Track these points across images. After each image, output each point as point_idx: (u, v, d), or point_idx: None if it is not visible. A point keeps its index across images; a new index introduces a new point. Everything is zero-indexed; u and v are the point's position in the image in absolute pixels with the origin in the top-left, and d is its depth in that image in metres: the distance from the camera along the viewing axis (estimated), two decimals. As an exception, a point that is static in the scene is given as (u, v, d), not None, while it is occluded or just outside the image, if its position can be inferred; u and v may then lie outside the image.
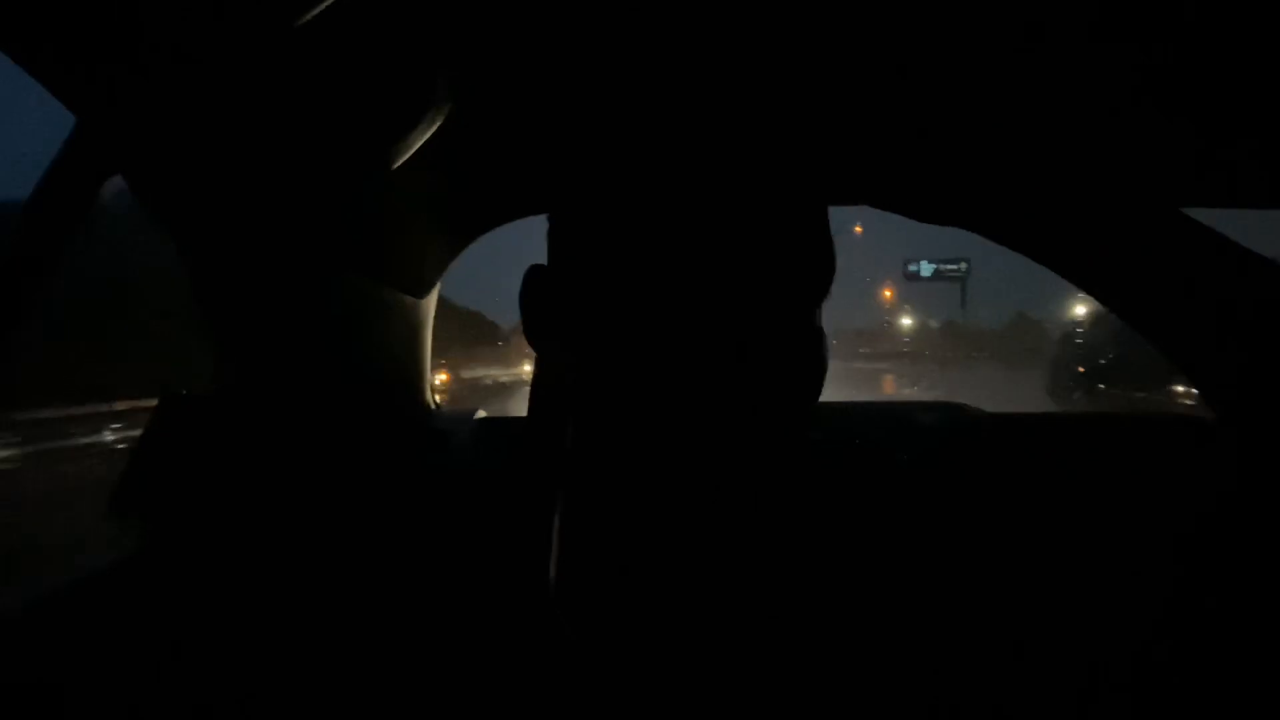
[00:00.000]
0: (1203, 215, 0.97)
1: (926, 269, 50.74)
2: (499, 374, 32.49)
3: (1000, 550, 0.50)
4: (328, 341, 1.00)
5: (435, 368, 1.33)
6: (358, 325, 1.08)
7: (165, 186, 0.71)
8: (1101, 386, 9.74)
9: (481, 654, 0.47)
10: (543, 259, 0.51)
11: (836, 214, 0.51)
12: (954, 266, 50.24)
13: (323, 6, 0.55)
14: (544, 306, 0.50)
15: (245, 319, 0.88)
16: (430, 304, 1.26)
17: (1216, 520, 0.61)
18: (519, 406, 1.82)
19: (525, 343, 0.52)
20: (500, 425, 1.27)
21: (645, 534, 0.47)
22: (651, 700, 0.44)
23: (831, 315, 0.48)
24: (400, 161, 0.77)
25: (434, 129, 0.75)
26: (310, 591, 0.54)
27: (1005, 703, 0.45)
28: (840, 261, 0.46)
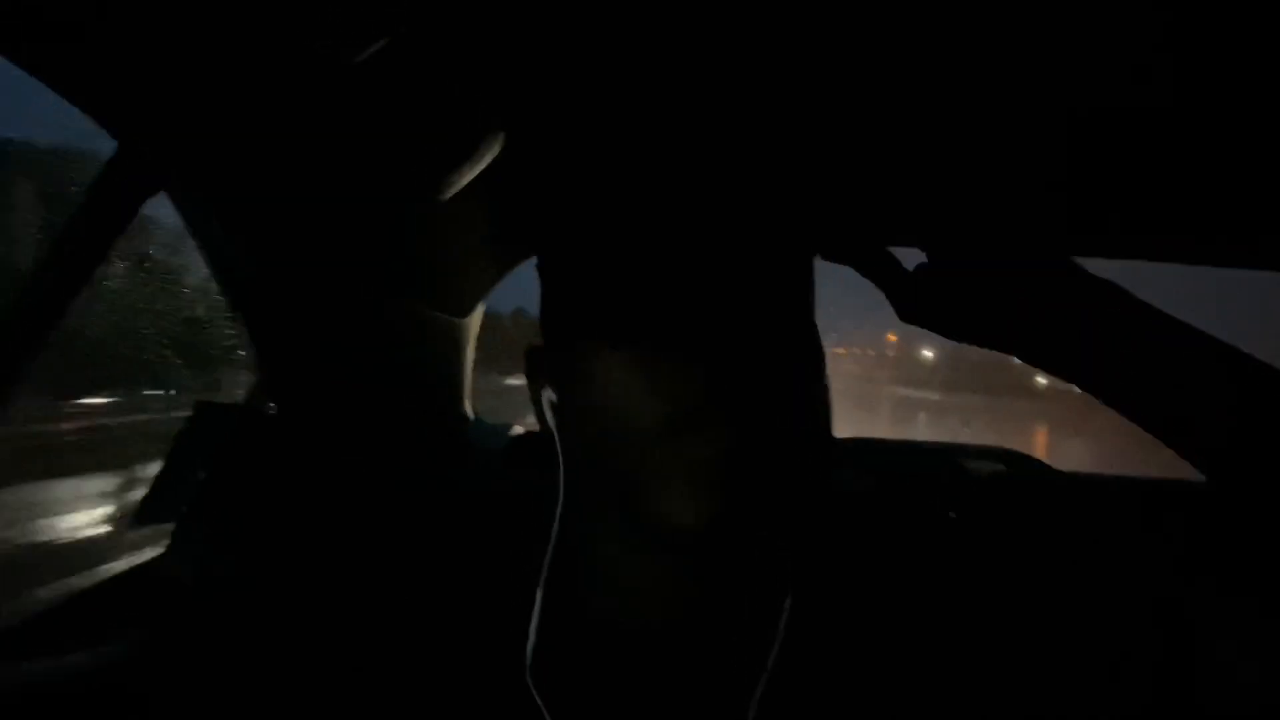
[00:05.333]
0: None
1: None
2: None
3: (1054, 631, 0.45)
4: (368, 358, 1.00)
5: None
6: (400, 343, 1.08)
7: (210, 206, 0.71)
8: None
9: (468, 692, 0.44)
10: None
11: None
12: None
13: (377, 47, 0.53)
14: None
15: (287, 335, 0.87)
16: (474, 322, 1.27)
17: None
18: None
19: None
20: (533, 442, 1.26)
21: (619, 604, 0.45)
22: None
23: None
24: (450, 194, 0.76)
25: (483, 165, 0.73)
26: (332, 604, 0.52)
27: None
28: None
